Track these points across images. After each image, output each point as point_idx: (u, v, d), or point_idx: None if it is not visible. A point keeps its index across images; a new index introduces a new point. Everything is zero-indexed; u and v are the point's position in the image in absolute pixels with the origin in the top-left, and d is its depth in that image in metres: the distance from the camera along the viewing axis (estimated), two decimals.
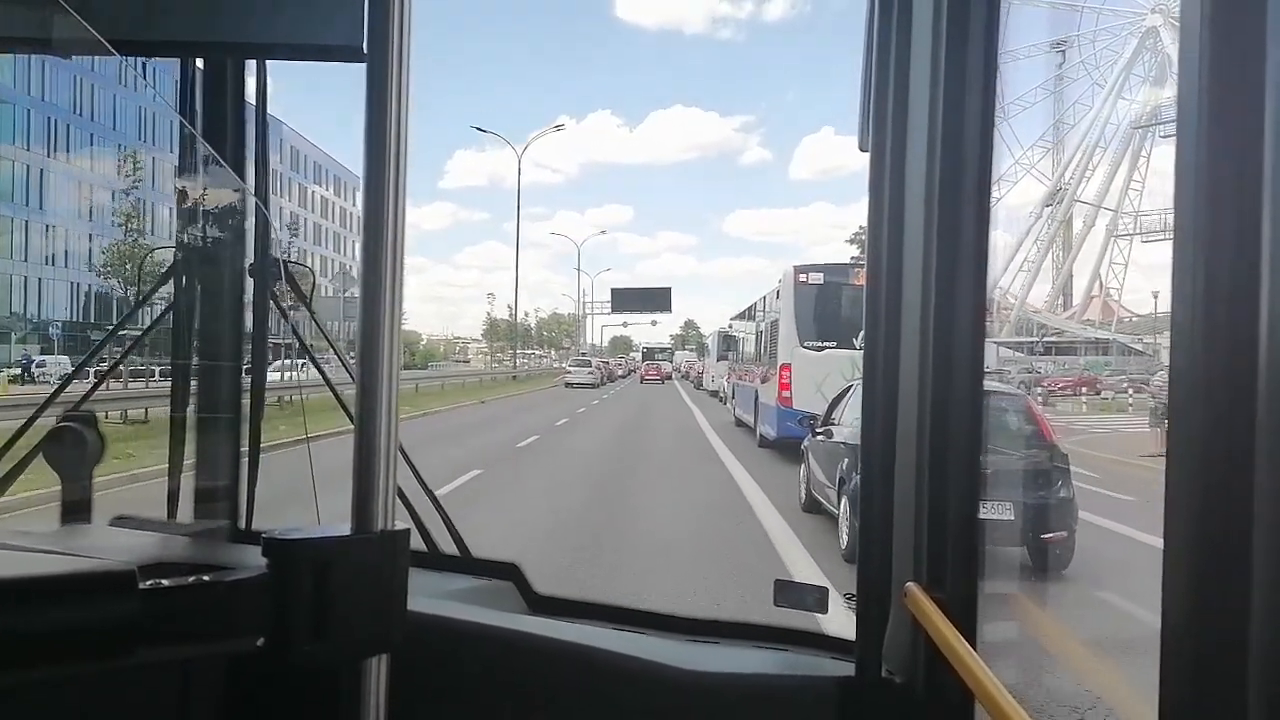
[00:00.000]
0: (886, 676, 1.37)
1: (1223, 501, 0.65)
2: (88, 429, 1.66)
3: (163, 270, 1.93)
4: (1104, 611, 6.33)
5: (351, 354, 1.14)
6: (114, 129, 52.09)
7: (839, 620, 1.93)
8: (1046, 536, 7.12)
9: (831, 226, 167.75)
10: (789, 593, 1.89)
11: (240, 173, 1.86)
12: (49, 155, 50.40)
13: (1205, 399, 0.67)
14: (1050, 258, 62.17)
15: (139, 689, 1.27)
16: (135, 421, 13.94)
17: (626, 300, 71.74)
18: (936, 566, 1.30)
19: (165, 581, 1.00)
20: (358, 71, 1.11)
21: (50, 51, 1.85)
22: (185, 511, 1.82)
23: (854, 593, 1.45)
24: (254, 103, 1.85)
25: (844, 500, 8.29)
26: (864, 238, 1.51)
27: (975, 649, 1.14)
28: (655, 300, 70.68)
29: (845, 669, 1.41)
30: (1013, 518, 7.03)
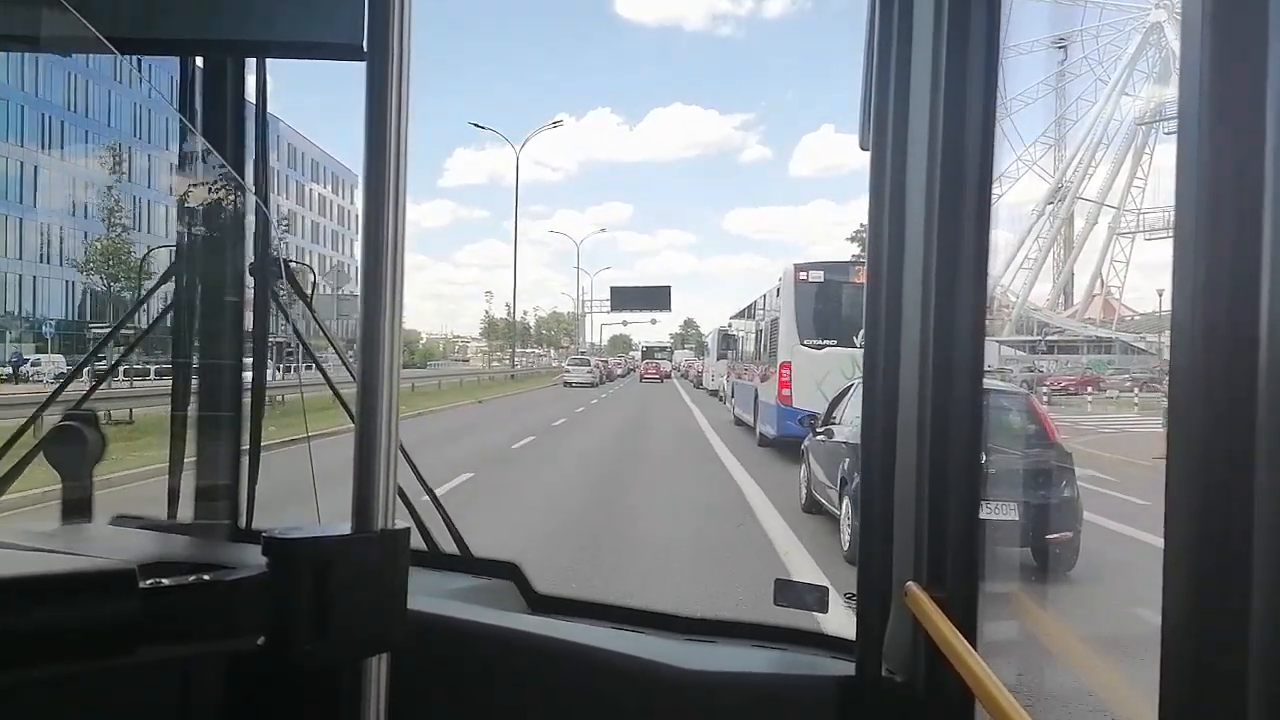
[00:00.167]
0: (887, 676, 1.37)
1: (1223, 501, 0.65)
2: (88, 428, 1.66)
3: (162, 269, 1.94)
4: (1142, 629, 6.26)
5: (351, 352, 1.14)
6: (109, 125, 51.94)
7: (839, 619, 1.93)
8: (1051, 537, 7.05)
9: (831, 224, 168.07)
10: (789, 592, 1.89)
11: (240, 171, 1.86)
12: (43, 152, 50.20)
13: (1205, 398, 0.67)
14: (1052, 256, 62.10)
15: (139, 688, 1.27)
16: (119, 423, 13.29)
17: (626, 299, 71.85)
18: (937, 566, 1.30)
19: (165, 580, 1.00)
20: (355, 67, 1.11)
21: (50, 50, 1.85)
22: (185, 510, 1.82)
23: (854, 592, 1.45)
24: (254, 101, 1.85)
25: (846, 501, 8.21)
26: (864, 236, 1.51)
27: (975, 648, 1.14)
28: (654, 299, 70.78)
29: (845, 668, 1.42)
30: (1017, 518, 6.97)
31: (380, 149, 1.01)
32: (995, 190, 1.37)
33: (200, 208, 1.87)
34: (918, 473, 1.33)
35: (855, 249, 34.38)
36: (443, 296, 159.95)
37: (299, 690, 1.34)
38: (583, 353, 71.69)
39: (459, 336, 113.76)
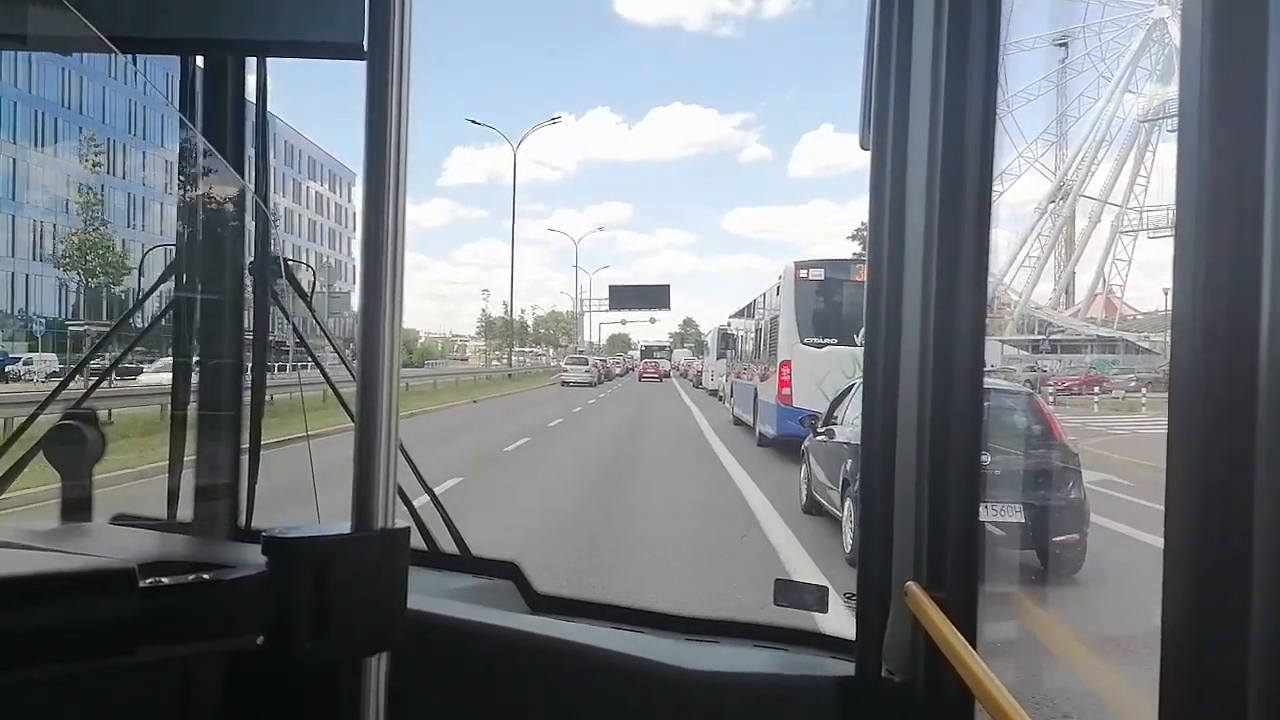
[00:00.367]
0: (886, 676, 1.37)
1: (1223, 501, 0.65)
2: (88, 427, 1.66)
3: (162, 267, 1.93)
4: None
5: (350, 350, 1.14)
6: (103, 123, 51.83)
7: (839, 620, 1.93)
8: (1057, 539, 6.92)
9: (831, 224, 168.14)
10: (789, 592, 1.89)
11: (240, 170, 1.86)
12: (36, 149, 50.01)
13: (1205, 398, 0.67)
14: (1054, 254, 61.89)
15: (139, 687, 1.27)
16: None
17: (624, 297, 71.80)
18: (936, 565, 1.30)
19: (165, 580, 1.00)
20: (355, 66, 1.10)
21: (51, 48, 1.85)
22: (185, 509, 1.82)
23: (854, 592, 1.45)
24: (254, 100, 1.85)
25: (848, 502, 8.07)
26: (865, 234, 1.51)
27: (975, 648, 1.14)
28: (653, 298, 70.74)
29: (845, 668, 1.42)
30: (1022, 520, 6.85)
31: (380, 149, 1.01)
32: (996, 188, 1.37)
33: (200, 206, 1.87)
34: (918, 472, 1.33)
35: (856, 247, 34.28)
36: (442, 296, 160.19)
37: (299, 689, 1.34)
38: (581, 352, 71.66)
39: (458, 336, 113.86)
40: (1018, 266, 58.55)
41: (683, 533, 9.49)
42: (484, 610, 1.60)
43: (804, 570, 7.57)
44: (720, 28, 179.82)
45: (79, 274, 29.24)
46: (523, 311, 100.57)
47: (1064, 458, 7.45)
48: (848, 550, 7.91)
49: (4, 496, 1.64)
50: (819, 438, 9.74)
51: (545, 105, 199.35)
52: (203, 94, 1.81)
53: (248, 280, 1.86)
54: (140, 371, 18.11)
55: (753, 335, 21.14)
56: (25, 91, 47.88)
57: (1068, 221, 61.97)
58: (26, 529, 1.45)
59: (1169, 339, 0.72)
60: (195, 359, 1.89)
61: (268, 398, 1.90)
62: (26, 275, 51.04)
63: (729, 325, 28.41)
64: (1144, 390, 26.08)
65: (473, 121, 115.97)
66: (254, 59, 1.81)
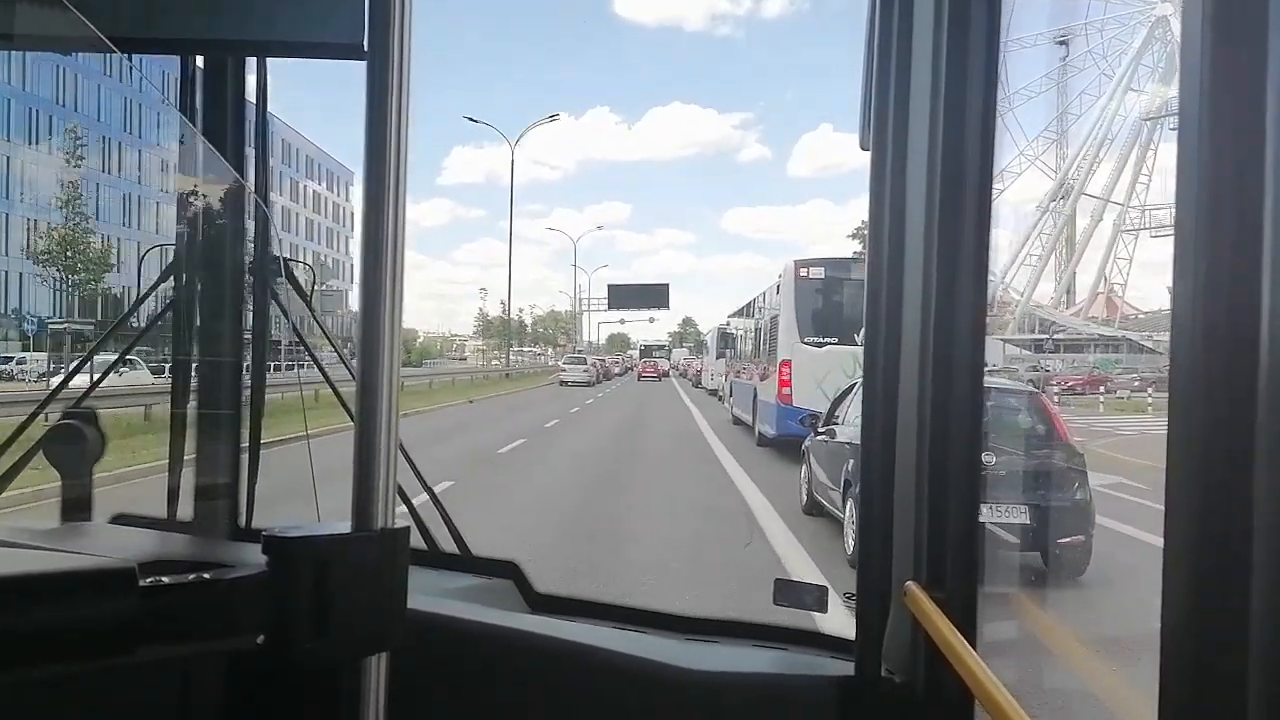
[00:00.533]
0: (886, 676, 1.37)
1: (1223, 501, 0.65)
2: (88, 426, 1.66)
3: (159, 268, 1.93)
4: None
5: (348, 348, 1.14)
6: (98, 120, 51.67)
7: (838, 620, 1.93)
8: (1062, 541, 6.80)
9: (830, 224, 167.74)
10: (788, 592, 1.89)
11: (240, 170, 1.86)
12: (29, 147, 49.74)
13: (1205, 398, 0.67)
14: (1055, 253, 61.68)
15: (139, 687, 1.27)
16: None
17: (623, 297, 71.78)
18: (936, 565, 1.30)
19: (165, 579, 1.00)
20: (353, 66, 1.10)
21: (51, 48, 1.85)
22: (185, 509, 1.82)
23: (853, 592, 1.45)
24: (254, 100, 1.85)
25: (849, 503, 7.93)
26: (865, 233, 1.51)
27: (975, 648, 1.14)
28: (652, 297, 70.71)
29: (845, 668, 1.42)
30: (1027, 521, 6.74)
31: (380, 149, 1.01)
32: (997, 186, 1.37)
33: (200, 206, 1.87)
34: (917, 472, 1.33)
35: (856, 246, 34.17)
36: (442, 296, 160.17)
37: (298, 689, 1.34)
38: (579, 351, 71.52)
39: (456, 335, 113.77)
40: (1019, 265, 58.43)
41: (681, 533, 9.40)
42: (484, 610, 1.60)
43: (805, 572, 7.47)
44: (719, 28, 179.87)
45: (59, 270, 28.60)
46: (520, 311, 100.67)
47: (1069, 458, 7.33)
48: (849, 552, 7.77)
49: (3, 496, 1.64)
50: (820, 438, 9.67)
51: (544, 105, 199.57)
52: (203, 94, 1.81)
53: (247, 280, 1.86)
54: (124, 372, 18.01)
55: (752, 335, 21.10)
56: (19, 88, 47.65)
57: (1069, 220, 61.79)
58: (26, 528, 1.46)
59: (1169, 339, 0.72)
60: (195, 358, 1.89)
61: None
62: (20, 274, 50.79)
63: (728, 324, 28.34)
64: (1149, 390, 25.82)
65: (470, 119, 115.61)
66: (254, 59, 1.81)
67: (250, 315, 1.90)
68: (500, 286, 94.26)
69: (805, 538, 8.86)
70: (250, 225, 1.88)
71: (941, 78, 1.28)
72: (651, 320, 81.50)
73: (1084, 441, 8.71)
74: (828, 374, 13.69)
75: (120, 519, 1.70)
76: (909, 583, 1.32)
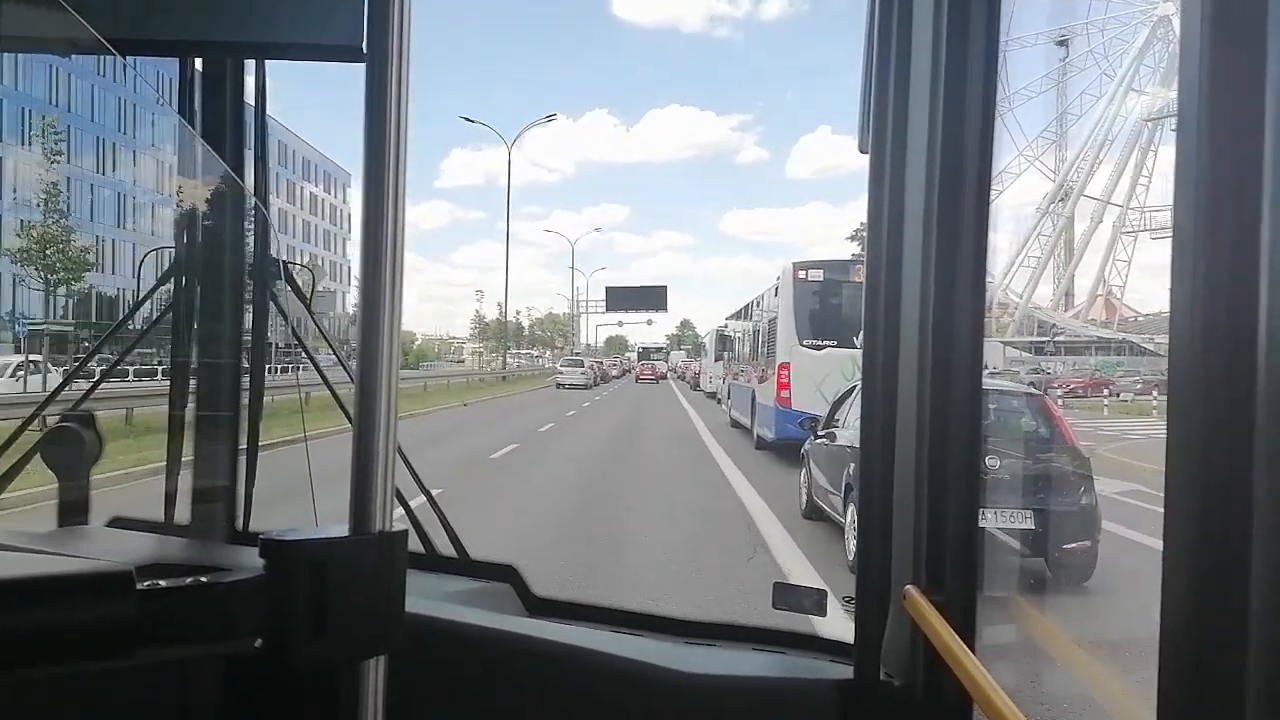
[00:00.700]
0: (885, 679, 1.37)
1: (1223, 501, 0.65)
2: (85, 429, 1.66)
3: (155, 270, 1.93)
4: None
5: (346, 349, 1.13)
6: (92, 120, 51.52)
7: (837, 623, 1.92)
8: (1068, 547, 6.69)
9: (828, 226, 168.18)
10: (787, 595, 1.89)
11: (239, 173, 1.86)
12: (22, 147, 49.49)
13: (1205, 399, 0.67)
14: (1054, 255, 61.50)
15: (137, 690, 1.27)
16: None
17: (621, 298, 71.72)
18: (935, 569, 1.30)
19: (163, 582, 1.00)
20: (351, 66, 1.10)
21: (49, 50, 1.84)
22: (183, 512, 1.82)
23: (852, 595, 1.45)
24: (253, 103, 1.85)
25: (851, 508, 7.81)
26: (864, 234, 1.51)
27: (974, 652, 1.14)
28: (650, 298, 70.63)
29: (844, 672, 1.42)
30: (1032, 526, 6.62)
31: (380, 151, 1.01)
32: (996, 187, 1.37)
33: (199, 209, 1.87)
34: (916, 475, 1.33)
35: (855, 248, 34.14)
36: (440, 298, 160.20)
37: (296, 692, 1.33)
38: (577, 353, 71.49)
39: (454, 337, 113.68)
40: (1018, 267, 58.28)
41: (680, 536, 9.33)
42: (482, 613, 1.59)
43: (805, 577, 7.39)
44: (718, 29, 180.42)
45: (37, 270, 28.02)
46: (518, 313, 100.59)
47: (1075, 462, 7.20)
48: (850, 557, 7.61)
49: (1, 497, 1.63)
50: (820, 441, 9.61)
51: (543, 107, 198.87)
52: (202, 96, 1.81)
53: (246, 282, 1.86)
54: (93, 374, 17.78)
55: (750, 337, 21.05)
56: (10, 88, 47.43)
57: (1069, 222, 61.63)
58: (24, 532, 1.45)
59: (1168, 340, 0.72)
60: (193, 360, 1.89)
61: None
62: (13, 276, 50.51)
63: (726, 327, 28.28)
64: (1154, 392, 25.62)
65: (466, 119, 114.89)
66: (253, 61, 1.80)
67: (249, 318, 1.90)
68: (498, 289, 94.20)
69: (804, 543, 8.81)
70: (249, 228, 1.87)
71: (941, 79, 1.28)
72: (649, 322, 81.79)
73: (1093, 446, 8.53)
74: (827, 377, 13.67)
75: (117, 522, 1.70)
76: (908, 586, 1.32)
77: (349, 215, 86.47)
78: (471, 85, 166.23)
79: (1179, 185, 0.69)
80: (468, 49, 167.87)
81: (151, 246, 2.02)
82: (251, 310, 1.89)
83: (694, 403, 34.74)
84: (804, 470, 10.29)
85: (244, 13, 1.47)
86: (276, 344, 2.14)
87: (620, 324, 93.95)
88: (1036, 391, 9.74)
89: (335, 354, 1.88)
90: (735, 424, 21.68)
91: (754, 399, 18.09)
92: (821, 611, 1.87)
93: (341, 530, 1.01)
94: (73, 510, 1.62)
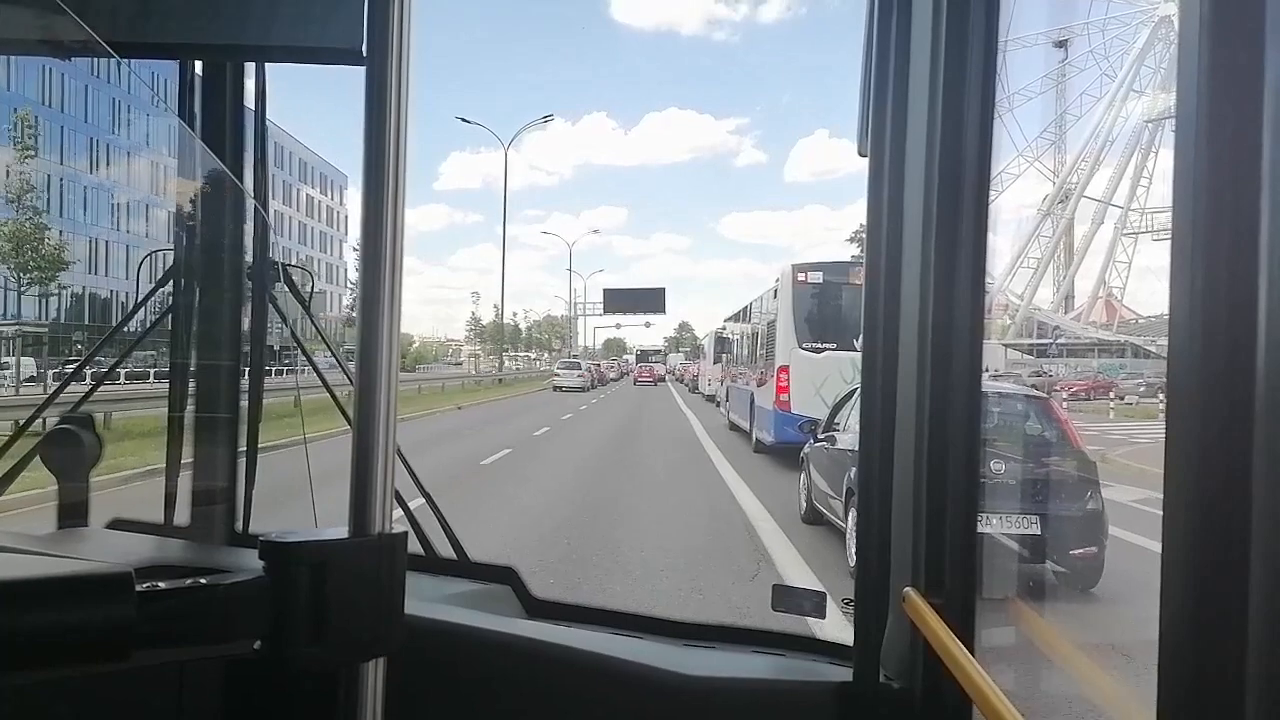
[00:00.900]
0: (884, 682, 1.37)
1: (1222, 502, 0.65)
2: (84, 431, 1.66)
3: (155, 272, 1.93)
4: None
5: (344, 350, 1.13)
6: (85, 122, 51.42)
7: (836, 626, 1.92)
8: (1075, 552, 6.53)
9: (826, 229, 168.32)
10: (786, 597, 1.89)
11: (238, 175, 1.86)
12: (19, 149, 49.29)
13: (1205, 400, 0.67)
14: (1055, 257, 61.31)
15: (136, 692, 1.27)
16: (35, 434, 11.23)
17: (619, 301, 71.48)
18: (935, 571, 1.30)
19: (162, 585, 0.99)
20: (349, 69, 1.10)
21: (48, 52, 1.84)
22: (182, 514, 1.82)
23: (852, 598, 1.45)
24: (252, 105, 1.85)
25: (852, 512, 7.67)
26: (863, 236, 1.51)
27: (974, 654, 1.14)
28: (648, 301, 70.41)
29: (843, 674, 1.41)
30: (1037, 531, 6.49)
31: (379, 154, 1.01)
32: (995, 188, 1.37)
33: (199, 211, 1.87)
34: (916, 477, 1.33)
35: (854, 250, 34.12)
36: (438, 301, 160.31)
37: (296, 694, 1.33)
38: (574, 355, 71.35)
39: (452, 340, 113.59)
40: (1018, 268, 58.08)
41: (678, 543, 9.24)
42: (481, 615, 1.59)
43: (806, 582, 7.30)
44: (716, 32, 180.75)
45: (10, 269, 27.57)
46: (515, 315, 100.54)
47: (1081, 466, 7.07)
48: (851, 562, 7.34)
49: (1, 499, 1.63)
50: (819, 444, 9.54)
51: (541, 110, 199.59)
52: (201, 99, 1.81)
53: (246, 285, 1.86)
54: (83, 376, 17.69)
55: (749, 340, 20.99)
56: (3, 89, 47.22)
57: (1069, 224, 61.42)
58: (23, 533, 1.45)
59: (1168, 341, 0.72)
60: (192, 362, 1.89)
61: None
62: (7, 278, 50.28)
63: (725, 329, 28.23)
64: (1160, 395, 25.52)
65: (463, 119, 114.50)
66: (252, 64, 1.81)
67: (248, 320, 1.90)
68: (496, 291, 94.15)
69: (804, 547, 8.76)
70: (248, 230, 1.87)
71: (940, 80, 1.28)
72: (647, 325, 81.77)
73: (1102, 450, 8.33)
74: (826, 380, 13.63)
75: (117, 524, 1.70)
76: (907, 588, 1.32)
77: (345, 217, 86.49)
78: (469, 86, 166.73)
79: (1178, 186, 0.69)
80: (465, 51, 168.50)
81: (154, 248, 2.02)
82: (250, 312, 1.89)
83: (692, 405, 34.58)
84: (803, 474, 10.22)
85: (243, 16, 1.47)
86: (274, 346, 2.14)
87: (618, 326, 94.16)
88: (1042, 394, 9.57)
89: (334, 356, 1.87)
90: (734, 427, 21.63)
91: (753, 402, 18.02)
92: (821, 614, 1.87)
93: (341, 532, 1.01)
94: (72, 512, 1.62)
